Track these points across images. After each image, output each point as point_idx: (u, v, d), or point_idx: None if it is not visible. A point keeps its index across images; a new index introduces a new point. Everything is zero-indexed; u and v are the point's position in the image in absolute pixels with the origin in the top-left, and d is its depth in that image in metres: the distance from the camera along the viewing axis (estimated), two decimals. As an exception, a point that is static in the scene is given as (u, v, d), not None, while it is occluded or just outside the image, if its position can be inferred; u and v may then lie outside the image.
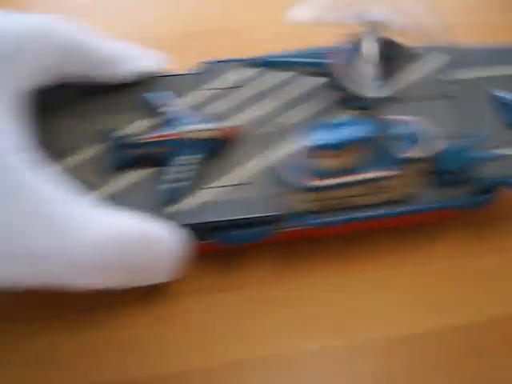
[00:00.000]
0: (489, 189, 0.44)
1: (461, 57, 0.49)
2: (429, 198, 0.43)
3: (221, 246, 0.43)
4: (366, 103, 0.46)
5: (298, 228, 0.42)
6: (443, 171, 0.43)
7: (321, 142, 0.38)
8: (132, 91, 0.44)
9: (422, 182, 0.43)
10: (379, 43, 0.44)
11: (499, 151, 0.44)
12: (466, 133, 0.45)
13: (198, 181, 0.42)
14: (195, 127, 0.42)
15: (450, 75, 0.48)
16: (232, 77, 0.46)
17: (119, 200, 0.40)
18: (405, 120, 0.42)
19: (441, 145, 0.42)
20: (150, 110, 0.44)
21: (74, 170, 0.41)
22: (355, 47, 0.44)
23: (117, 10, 0.60)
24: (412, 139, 0.41)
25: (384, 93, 0.47)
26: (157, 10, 0.61)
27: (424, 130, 0.42)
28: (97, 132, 0.42)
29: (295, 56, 0.45)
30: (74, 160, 0.42)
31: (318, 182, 0.40)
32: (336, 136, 0.38)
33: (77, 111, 0.43)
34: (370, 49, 0.44)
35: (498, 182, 0.44)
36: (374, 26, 0.42)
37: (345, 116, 0.44)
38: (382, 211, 0.42)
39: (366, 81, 0.45)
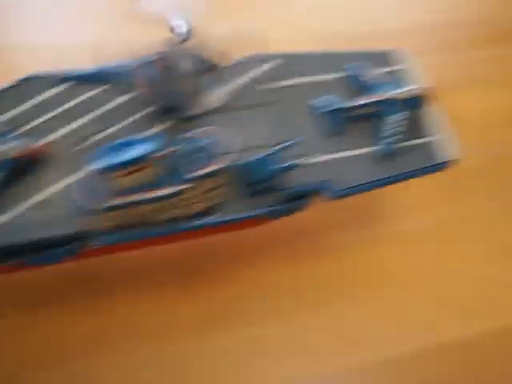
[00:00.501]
0: (301, 196, 0.45)
1: (283, 65, 0.51)
2: (240, 208, 0.44)
3: (26, 267, 0.42)
4: (183, 116, 0.46)
5: (99, 246, 0.42)
6: (252, 181, 0.44)
7: (110, 163, 0.38)
8: None
9: (230, 192, 0.44)
10: (191, 58, 0.44)
11: (312, 159, 0.46)
12: (281, 140, 0.46)
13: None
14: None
15: (273, 83, 0.50)
16: (45, 93, 0.45)
17: None
18: (204, 134, 0.43)
19: (243, 156, 0.43)
20: None
21: None
22: (168, 62, 0.44)
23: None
24: (207, 154, 0.42)
25: (203, 105, 0.47)
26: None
27: (221, 142, 0.42)
28: None
29: (106, 70, 0.44)
30: None
31: (113, 201, 0.39)
32: (124, 155, 0.39)
33: None
34: (185, 63, 0.44)
35: (308, 189, 0.45)
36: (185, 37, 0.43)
37: (155, 130, 0.45)
38: (185, 225, 0.43)
39: (183, 94, 0.46)
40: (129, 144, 0.39)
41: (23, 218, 0.40)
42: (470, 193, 0.60)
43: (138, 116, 0.46)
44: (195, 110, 0.47)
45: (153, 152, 0.39)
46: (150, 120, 0.45)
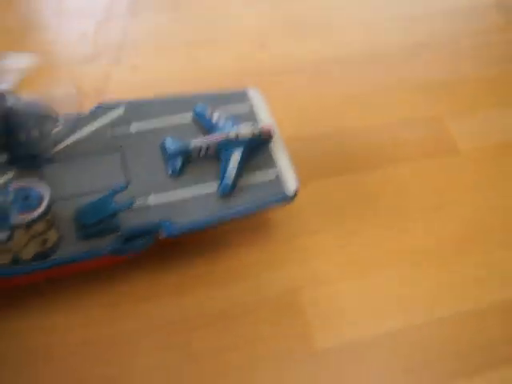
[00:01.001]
0: (140, 235, 0.48)
1: (132, 111, 0.53)
2: (77, 249, 0.46)
3: None
4: (31, 163, 0.47)
5: None
6: (86, 224, 0.46)
7: None
8: None
9: (63, 236, 0.46)
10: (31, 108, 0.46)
11: (152, 199, 0.49)
12: (121, 184, 0.48)
13: None
14: None
15: (121, 129, 0.52)
16: None
17: None
18: (26, 185, 0.44)
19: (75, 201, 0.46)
20: None
21: None
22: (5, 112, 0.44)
23: None
24: (27, 203, 0.43)
25: (48, 154, 0.48)
26: None
27: (41, 192, 0.44)
28: None
29: None
30: None
31: None
32: None
33: None
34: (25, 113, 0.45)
35: (143, 229, 0.48)
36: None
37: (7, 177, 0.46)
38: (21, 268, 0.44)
39: (26, 144, 0.46)
40: None
41: None
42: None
43: None
44: (39, 160, 0.48)
45: None
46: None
